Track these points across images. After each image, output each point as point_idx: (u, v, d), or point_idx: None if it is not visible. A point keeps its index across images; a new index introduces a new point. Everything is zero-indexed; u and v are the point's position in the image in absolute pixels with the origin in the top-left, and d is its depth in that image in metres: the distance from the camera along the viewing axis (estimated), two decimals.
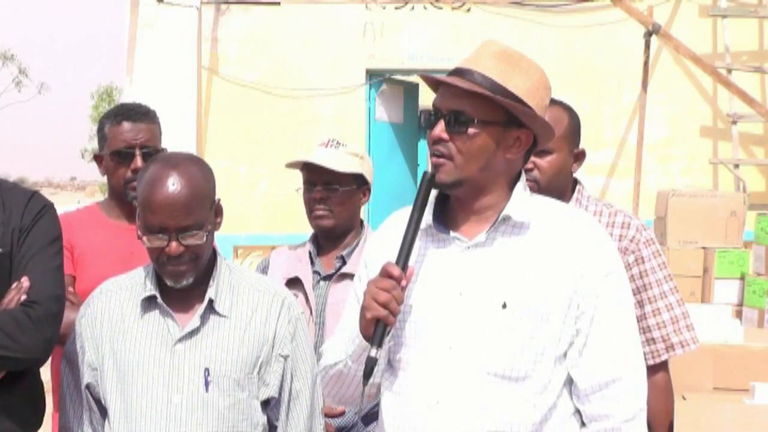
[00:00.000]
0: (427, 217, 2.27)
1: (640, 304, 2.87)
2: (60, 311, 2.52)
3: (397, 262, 2.17)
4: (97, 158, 3.33)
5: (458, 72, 2.24)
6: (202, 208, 2.45)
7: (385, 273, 2.16)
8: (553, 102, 2.96)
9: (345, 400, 2.40)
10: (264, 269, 3.33)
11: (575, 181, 2.99)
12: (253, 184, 9.63)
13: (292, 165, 3.30)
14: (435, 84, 2.29)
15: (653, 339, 2.88)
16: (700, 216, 7.04)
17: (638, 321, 2.86)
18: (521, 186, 2.29)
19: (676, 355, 2.92)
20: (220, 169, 9.85)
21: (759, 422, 3.12)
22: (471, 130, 2.20)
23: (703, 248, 7.05)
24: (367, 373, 2.15)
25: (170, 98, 9.04)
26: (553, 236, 2.24)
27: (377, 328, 2.15)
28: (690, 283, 6.88)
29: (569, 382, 2.24)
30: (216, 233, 2.55)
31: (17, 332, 2.41)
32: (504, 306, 2.18)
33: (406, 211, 2.32)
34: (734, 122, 9.10)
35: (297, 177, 3.32)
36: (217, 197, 2.54)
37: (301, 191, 3.28)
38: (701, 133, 9.54)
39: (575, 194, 2.95)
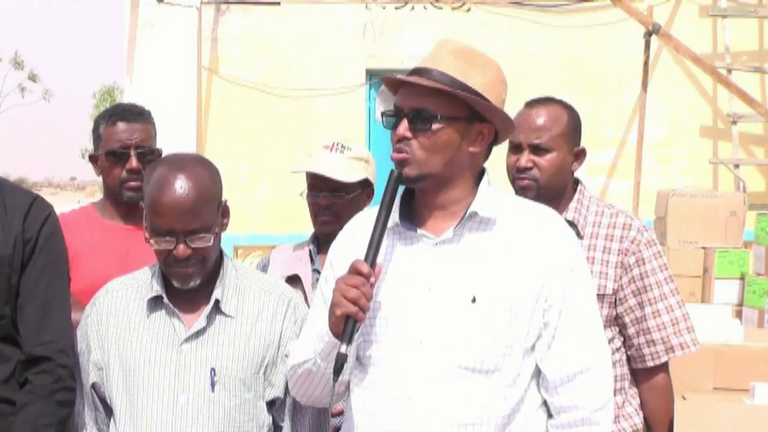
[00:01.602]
0: (394, 215, 2.30)
1: (641, 305, 2.86)
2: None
3: (365, 260, 2.20)
4: (93, 158, 3.33)
5: (417, 71, 2.28)
6: (210, 210, 2.46)
7: (353, 270, 2.19)
8: (553, 100, 2.96)
9: (313, 398, 2.41)
10: (264, 267, 3.33)
11: (576, 181, 2.99)
12: (253, 184, 9.63)
13: (297, 171, 3.29)
14: (395, 85, 2.32)
15: (653, 341, 2.87)
16: (700, 216, 7.04)
17: (638, 322, 2.87)
18: (486, 182, 2.34)
19: (675, 357, 2.92)
20: (220, 170, 9.80)
21: (759, 422, 3.12)
22: (435, 126, 2.24)
23: (703, 248, 7.05)
24: (337, 370, 2.17)
25: (170, 98, 9.04)
26: (519, 232, 2.29)
27: (347, 324, 2.18)
28: (690, 283, 6.87)
29: (536, 374, 2.29)
30: None
31: (59, 412, 2.51)
32: (474, 300, 2.22)
33: (372, 212, 2.36)
34: (734, 122, 9.10)
35: (297, 177, 3.31)
36: (223, 198, 2.55)
37: (305, 194, 3.27)
38: (701, 133, 9.54)
39: (576, 194, 2.95)
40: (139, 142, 3.23)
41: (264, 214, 9.51)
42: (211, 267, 2.50)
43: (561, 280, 2.26)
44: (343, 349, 2.17)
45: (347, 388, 2.35)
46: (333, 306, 2.20)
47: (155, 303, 2.51)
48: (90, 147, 3.42)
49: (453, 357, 2.21)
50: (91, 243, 3.21)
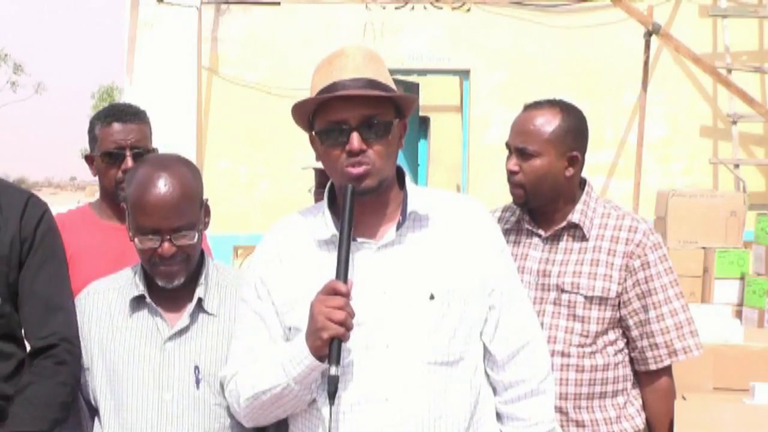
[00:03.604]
0: (330, 227, 2.31)
1: (645, 308, 2.84)
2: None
3: (338, 278, 2.19)
4: (88, 159, 3.33)
5: (342, 85, 2.26)
6: (193, 208, 2.47)
7: (331, 291, 2.17)
8: (551, 103, 2.92)
9: (272, 418, 2.37)
10: None
11: (583, 182, 2.97)
12: (253, 184, 9.63)
13: (308, 168, 3.30)
14: (312, 104, 2.29)
15: (656, 344, 2.86)
16: (700, 216, 7.03)
17: (642, 325, 2.85)
18: (409, 179, 2.39)
19: (678, 361, 2.91)
20: (220, 169, 9.85)
21: (759, 422, 3.12)
22: (391, 132, 2.28)
23: (703, 248, 7.04)
24: (333, 392, 2.15)
25: (170, 98, 9.04)
26: (450, 223, 2.35)
27: (333, 346, 2.16)
28: (690, 283, 6.87)
29: (483, 356, 2.37)
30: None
31: (59, 392, 2.48)
32: (432, 297, 2.26)
33: (288, 226, 2.39)
34: (734, 122, 9.10)
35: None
36: (204, 197, 2.56)
37: (313, 191, 3.28)
38: (701, 133, 9.54)
39: (583, 195, 2.93)
40: (134, 143, 3.23)
41: (264, 214, 9.50)
42: (194, 265, 2.52)
43: (496, 263, 2.37)
44: (333, 371, 2.15)
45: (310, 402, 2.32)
46: (318, 330, 2.16)
47: (138, 303, 2.53)
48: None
49: (420, 354, 2.25)
50: (87, 243, 3.21)
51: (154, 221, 2.42)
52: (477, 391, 2.32)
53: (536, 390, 2.38)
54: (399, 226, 2.31)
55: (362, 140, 2.24)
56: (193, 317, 2.50)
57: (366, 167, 2.25)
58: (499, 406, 2.39)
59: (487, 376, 2.39)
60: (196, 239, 2.47)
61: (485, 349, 2.37)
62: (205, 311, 2.52)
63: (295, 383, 2.24)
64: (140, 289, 2.52)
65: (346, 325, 2.15)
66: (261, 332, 2.35)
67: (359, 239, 2.30)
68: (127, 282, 2.57)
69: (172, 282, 2.48)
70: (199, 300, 2.51)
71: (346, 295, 2.17)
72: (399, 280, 2.27)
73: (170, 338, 2.48)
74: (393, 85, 2.33)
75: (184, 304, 2.51)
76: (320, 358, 2.18)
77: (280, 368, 2.25)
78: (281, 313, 2.33)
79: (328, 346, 2.16)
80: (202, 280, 2.54)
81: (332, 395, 2.15)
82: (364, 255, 2.30)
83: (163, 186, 2.42)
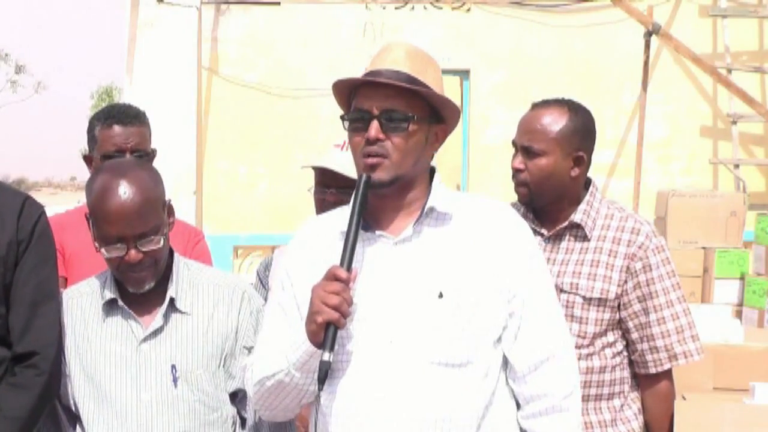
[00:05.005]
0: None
1: (645, 311, 2.83)
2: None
3: (341, 265, 2.19)
4: (87, 159, 3.33)
5: (377, 74, 2.27)
6: (156, 212, 2.48)
7: (332, 276, 2.17)
8: (558, 102, 2.91)
9: (280, 409, 2.37)
10: (267, 267, 3.35)
11: (589, 182, 2.97)
12: (253, 184, 9.62)
13: (307, 167, 3.30)
14: (349, 88, 2.31)
15: (656, 348, 2.84)
16: (700, 216, 7.04)
17: (642, 328, 2.84)
18: (438, 179, 2.37)
19: (678, 365, 2.90)
20: (219, 170, 9.85)
21: (759, 422, 3.12)
22: (411, 127, 2.25)
23: (703, 248, 7.05)
24: (322, 378, 2.15)
25: (170, 98, 9.03)
26: (475, 225, 2.30)
27: (327, 331, 2.16)
28: (690, 283, 6.86)
29: (505, 366, 2.30)
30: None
31: (33, 401, 2.48)
32: (441, 296, 2.22)
33: (320, 219, 2.42)
34: (734, 122, 9.10)
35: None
36: (167, 198, 2.56)
37: (312, 190, 3.28)
38: (701, 133, 9.54)
39: (587, 196, 2.92)
40: (134, 146, 3.23)
41: (264, 214, 9.50)
42: (163, 268, 2.53)
43: (522, 269, 2.29)
44: (326, 356, 2.14)
45: (315, 395, 2.32)
46: (313, 314, 2.17)
47: (110, 307, 2.54)
48: None
49: (424, 353, 2.21)
50: (87, 242, 3.20)
51: (118, 229, 2.42)
52: (486, 397, 2.24)
53: (558, 407, 2.27)
54: (416, 221, 2.29)
55: (382, 131, 2.24)
56: (167, 317, 2.52)
57: (380, 158, 2.24)
58: (520, 420, 2.31)
59: (511, 388, 2.33)
60: (162, 243, 2.47)
61: (506, 358, 2.30)
62: (178, 310, 2.53)
63: (295, 369, 2.24)
64: (112, 293, 2.53)
65: (341, 311, 2.14)
66: (281, 323, 2.35)
67: (377, 232, 2.30)
68: (99, 286, 2.58)
69: (142, 288, 2.50)
70: (171, 300, 2.53)
71: (346, 282, 2.16)
72: (410, 276, 2.25)
73: (145, 339, 2.50)
74: (438, 88, 2.30)
75: (157, 305, 2.53)
76: (318, 345, 2.17)
77: (282, 354, 2.26)
78: (300, 305, 2.33)
79: (324, 332, 2.16)
80: (173, 279, 2.55)
81: (321, 380, 2.15)
82: (381, 249, 2.29)
83: (123, 193, 2.42)
